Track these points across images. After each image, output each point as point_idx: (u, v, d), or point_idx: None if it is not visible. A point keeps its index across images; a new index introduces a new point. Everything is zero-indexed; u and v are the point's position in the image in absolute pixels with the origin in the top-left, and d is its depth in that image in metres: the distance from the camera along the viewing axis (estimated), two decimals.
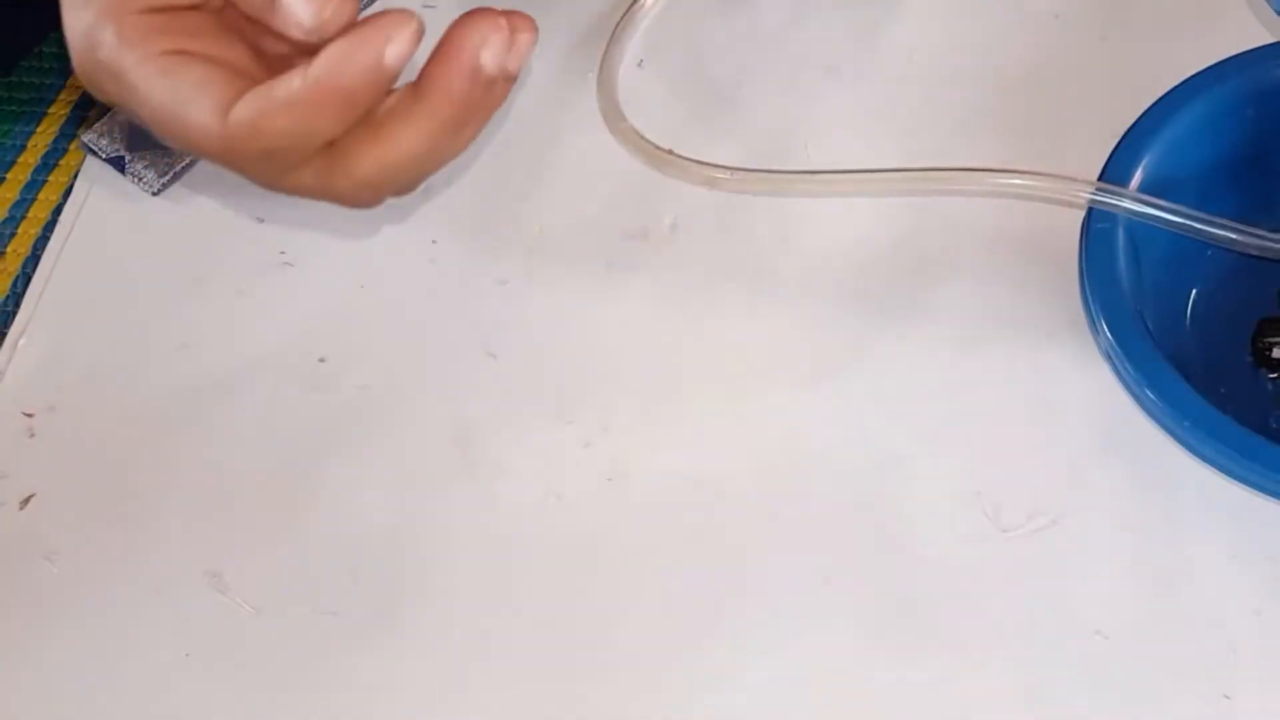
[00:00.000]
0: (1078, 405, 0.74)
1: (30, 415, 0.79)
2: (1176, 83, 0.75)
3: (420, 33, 0.52)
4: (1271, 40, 0.77)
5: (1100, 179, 0.73)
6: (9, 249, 0.85)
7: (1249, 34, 0.81)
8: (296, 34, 0.53)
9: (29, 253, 0.86)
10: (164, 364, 0.79)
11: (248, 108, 0.52)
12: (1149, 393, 0.68)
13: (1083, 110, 0.81)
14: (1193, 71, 0.75)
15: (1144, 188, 0.73)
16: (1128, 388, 0.69)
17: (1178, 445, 0.69)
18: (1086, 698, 0.67)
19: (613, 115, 0.80)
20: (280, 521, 0.75)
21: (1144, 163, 0.73)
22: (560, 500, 0.74)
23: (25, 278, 0.84)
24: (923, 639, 0.69)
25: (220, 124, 0.53)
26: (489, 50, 0.55)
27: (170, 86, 0.53)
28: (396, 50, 0.52)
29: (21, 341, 0.81)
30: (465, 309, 0.80)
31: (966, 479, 0.72)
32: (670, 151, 0.77)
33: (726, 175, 0.77)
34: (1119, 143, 0.74)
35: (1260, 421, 0.72)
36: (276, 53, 0.57)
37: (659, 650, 0.70)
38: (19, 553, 0.75)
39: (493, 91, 0.56)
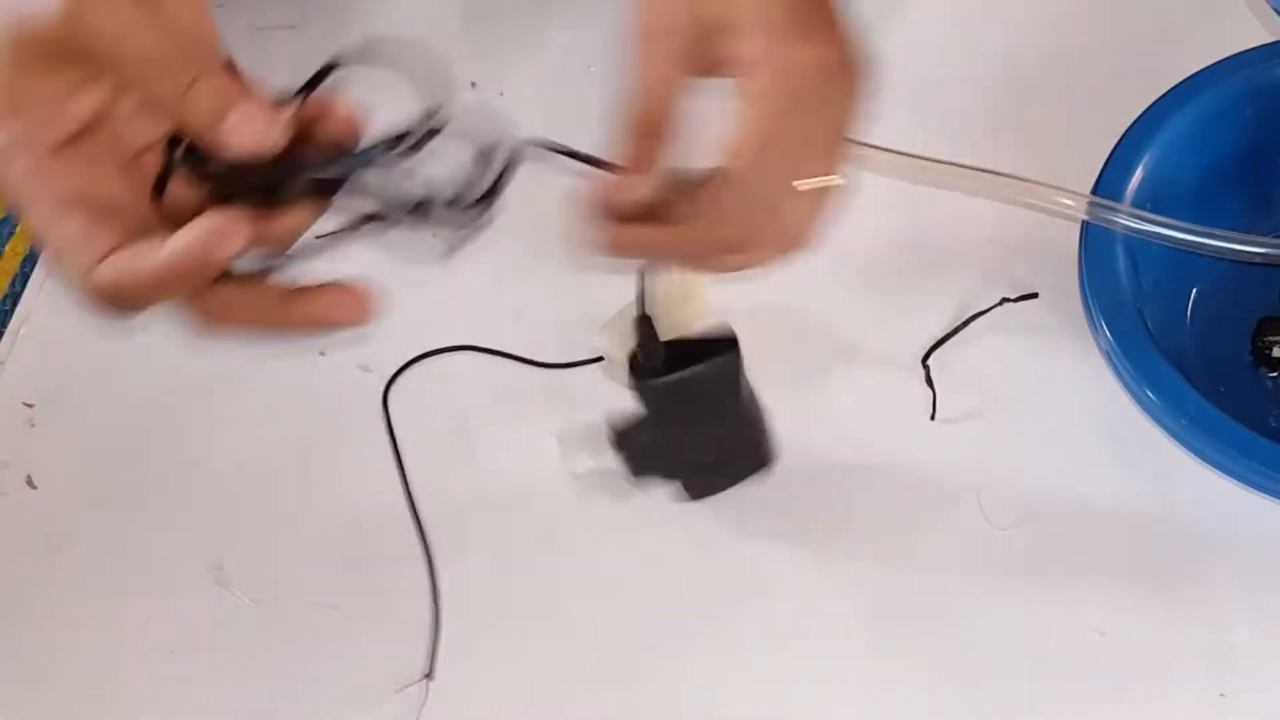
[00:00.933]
0: (1077, 404, 0.74)
1: (31, 405, 0.79)
2: (1176, 83, 0.75)
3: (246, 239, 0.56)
4: (1271, 40, 0.77)
5: (1100, 178, 0.73)
6: (7, 248, 0.84)
7: (1249, 34, 0.81)
8: (237, 151, 0.57)
9: (27, 252, 0.85)
10: (164, 355, 0.79)
11: (110, 270, 0.56)
12: (1149, 392, 0.68)
13: (1083, 109, 0.82)
14: (1193, 71, 0.75)
15: (1143, 187, 0.73)
16: (1128, 387, 0.70)
17: (1177, 444, 0.69)
18: (1084, 695, 0.67)
19: None
20: (281, 514, 0.75)
21: (1143, 161, 0.73)
22: (560, 494, 0.74)
23: (23, 277, 0.84)
24: (920, 636, 0.69)
25: (88, 281, 0.56)
26: None
27: (55, 236, 0.57)
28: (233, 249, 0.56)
29: (22, 332, 0.81)
30: (467, 303, 0.80)
31: (964, 477, 0.72)
32: None
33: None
34: (1119, 141, 0.74)
35: (1260, 420, 0.72)
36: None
37: (657, 647, 0.70)
38: (20, 543, 0.75)
39: None
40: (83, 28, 0.55)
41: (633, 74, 0.64)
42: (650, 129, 0.63)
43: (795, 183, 0.62)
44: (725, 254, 0.64)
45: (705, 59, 0.62)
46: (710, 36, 0.62)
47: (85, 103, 0.57)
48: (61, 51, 0.56)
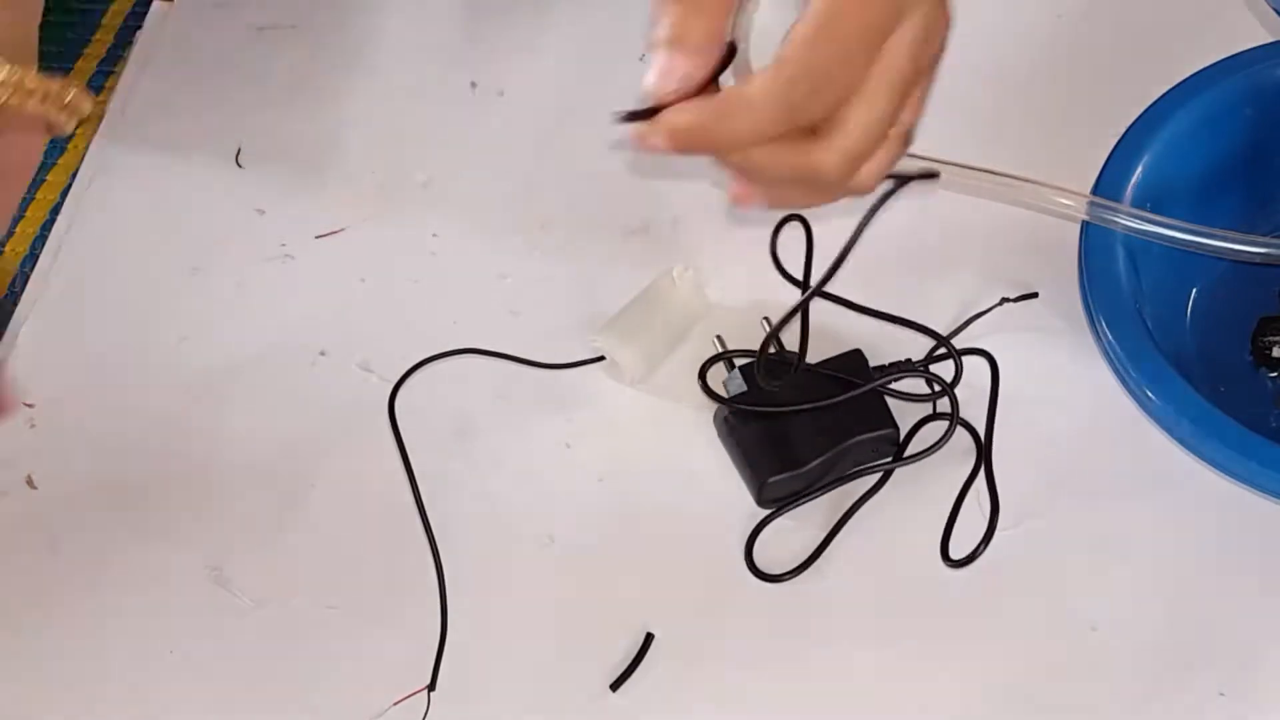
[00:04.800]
0: (1077, 404, 0.74)
1: (31, 406, 0.79)
2: (1176, 83, 0.75)
3: None
4: (1271, 40, 0.77)
5: (1099, 179, 0.73)
6: (7, 249, 0.84)
7: (1249, 34, 0.81)
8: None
9: (27, 251, 0.85)
10: (165, 356, 0.79)
11: None
12: (1149, 392, 0.68)
13: (1083, 109, 0.82)
14: (1193, 71, 0.75)
15: (1142, 187, 0.73)
16: (1128, 388, 0.70)
17: (1177, 444, 0.69)
18: (1083, 694, 0.67)
19: None
20: (281, 515, 0.74)
21: (1143, 162, 0.74)
22: (558, 495, 0.74)
23: (24, 277, 0.84)
24: (920, 635, 0.69)
25: None
26: None
27: None
28: None
29: (22, 332, 0.81)
30: (466, 303, 0.80)
31: (964, 475, 0.72)
32: None
33: None
34: (1118, 142, 0.74)
35: (1260, 420, 0.73)
36: None
37: (665, 657, 0.70)
38: (21, 543, 0.75)
39: None
40: None
41: None
42: None
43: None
44: (777, 159, 0.60)
45: None
46: None
47: None
48: None
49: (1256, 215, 0.76)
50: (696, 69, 0.58)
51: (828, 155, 0.60)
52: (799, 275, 0.75)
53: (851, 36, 0.58)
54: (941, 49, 0.62)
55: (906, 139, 0.63)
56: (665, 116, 0.58)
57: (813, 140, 0.60)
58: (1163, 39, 0.83)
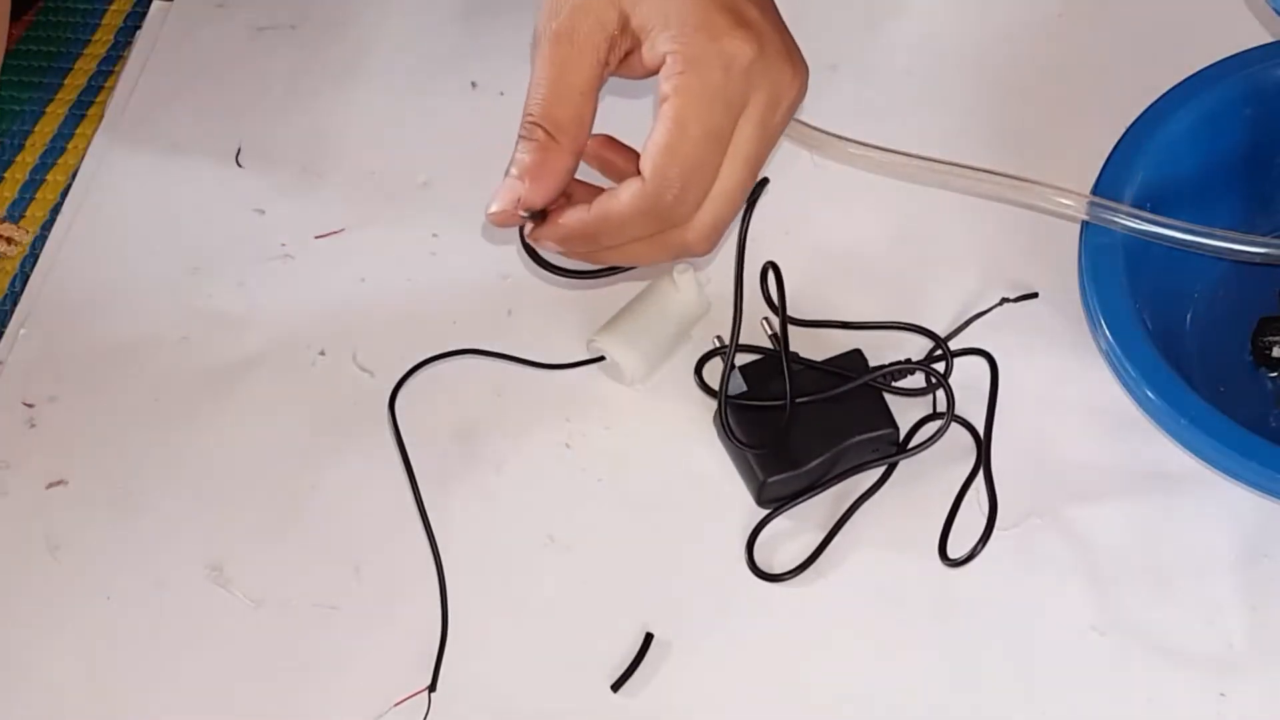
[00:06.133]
0: (1077, 405, 0.74)
1: (30, 406, 0.79)
2: (1176, 83, 0.75)
3: None
4: (1271, 40, 0.77)
5: (1100, 178, 0.73)
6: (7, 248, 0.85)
7: (1249, 34, 0.81)
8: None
9: (27, 251, 0.85)
10: (164, 356, 0.79)
11: None
12: (1149, 393, 0.68)
13: (1083, 108, 0.82)
14: (1192, 71, 0.75)
15: (1142, 187, 0.73)
16: (1128, 388, 0.70)
17: (1177, 444, 0.69)
18: (1083, 694, 0.67)
19: None
20: (281, 515, 0.74)
21: (1143, 162, 0.74)
22: (558, 495, 0.74)
23: (24, 277, 0.84)
24: (920, 635, 0.69)
25: None
26: None
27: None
28: None
29: (22, 332, 0.81)
30: (466, 303, 0.80)
31: (964, 475, 0.72)
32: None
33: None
34: (1118, 142, 0.74)
35: (1259, 420, 0.73)
36: None
37: (658, 644, 0.70)
38: (21, 544, 0.75)
39: None
40: None
41: (542, 78, 0.64)
42: (556, 136, 0.65)
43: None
44: (652, 251, 0.67)
45: (614, 62, 0.65)
46: (622, 38, 0.64)
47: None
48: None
49: (1256, 215, 0.76)
50: (530, 197, 0.66)
51: (691, 235, 0.66)
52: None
53: (700, 143, 0.64)
54: (793, 104, 0.66)
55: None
56: (556, 222, 0.66)
57: (676, 227, 0.66)
58: (1163, 39, 0.83)
